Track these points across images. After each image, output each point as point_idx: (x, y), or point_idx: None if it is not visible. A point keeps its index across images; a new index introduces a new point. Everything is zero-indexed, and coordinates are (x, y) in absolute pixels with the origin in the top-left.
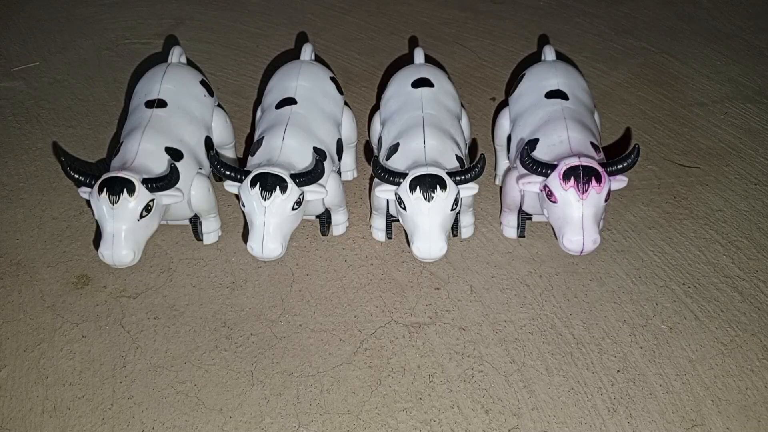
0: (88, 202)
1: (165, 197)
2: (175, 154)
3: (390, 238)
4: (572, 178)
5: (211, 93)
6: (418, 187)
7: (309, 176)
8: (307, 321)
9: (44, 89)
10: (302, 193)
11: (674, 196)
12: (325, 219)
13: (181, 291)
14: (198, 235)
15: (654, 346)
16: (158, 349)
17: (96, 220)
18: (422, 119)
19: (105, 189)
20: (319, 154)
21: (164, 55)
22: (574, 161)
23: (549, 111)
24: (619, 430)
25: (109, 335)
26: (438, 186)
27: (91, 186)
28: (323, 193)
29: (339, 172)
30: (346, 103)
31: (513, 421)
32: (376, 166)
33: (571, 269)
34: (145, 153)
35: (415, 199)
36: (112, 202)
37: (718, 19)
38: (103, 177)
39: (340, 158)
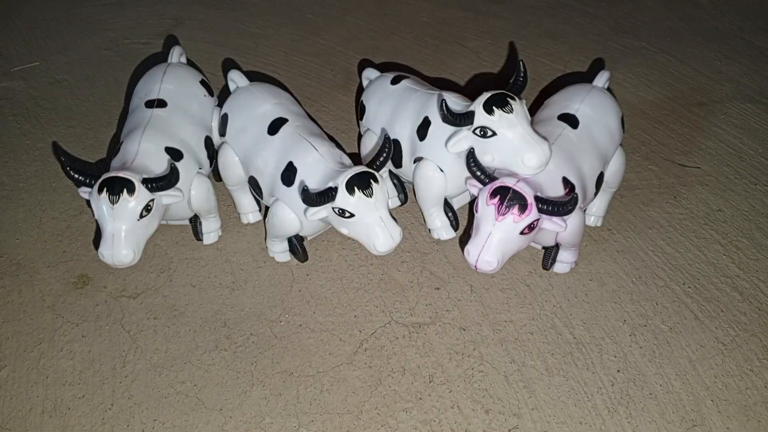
0: (88, 202)
1: (165, 197)
2: (175, 154)
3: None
4: (498, 197)
5: (210, 93)
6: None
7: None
8: (307, 321)
9: (44, 89)
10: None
11: (674, 196)
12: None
13: (181, 291)
14: (198, 235)
15: (654, 346)
16: (158, 349)
17: (96, 220)
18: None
19: (105, 189)
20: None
21: (164, 55)
22: (509, 182)
23: (551, 131)
24: (619, 430)
25: (109, 335)
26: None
27: (91, 186)
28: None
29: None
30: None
31: (513, 421)
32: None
33: (571, 269)
34: (145, 153)
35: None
36: (112, 202)
37: (718, 19)
38: (103, 177)
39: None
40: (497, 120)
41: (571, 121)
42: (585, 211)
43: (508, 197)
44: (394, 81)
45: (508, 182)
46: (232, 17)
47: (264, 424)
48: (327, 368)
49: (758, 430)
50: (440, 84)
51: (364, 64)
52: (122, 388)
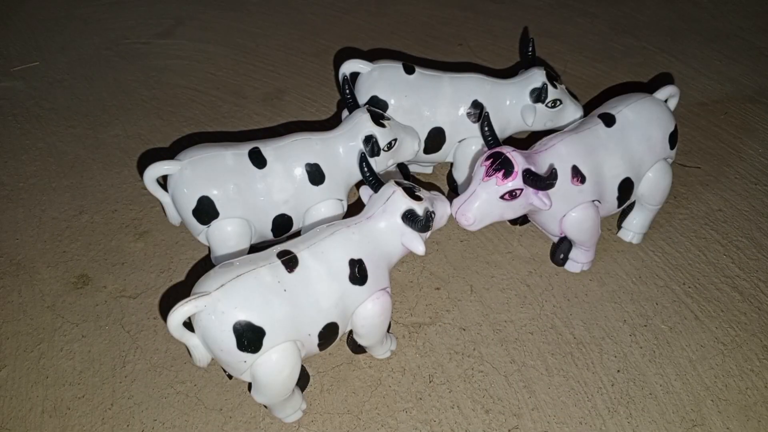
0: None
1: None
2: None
3: None
4: (490, 160)
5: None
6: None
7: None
8: None
9: (44, 89)
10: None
11: (674, 196)
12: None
13: (181, 291)
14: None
15: (654, 346)
16: (158, 349)
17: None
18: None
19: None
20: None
21: (162, 55)
22: (505, 149)
23: (584, 123)
24: (619, 430)
25: (109, 335)
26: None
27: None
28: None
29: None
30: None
31: (513, 421)
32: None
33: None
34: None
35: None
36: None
37: (718, 19)
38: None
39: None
40: (560, 92)
41: (607, 119)
42: (623, 224)
43: (497, 162)
44: (408, 70)
45: (504, 149)
46: (232, 17)
47: (264, 424)
48: (327, 368)
49: (758, 430)
50: None
51: (344, 53)
52: (122, 388)
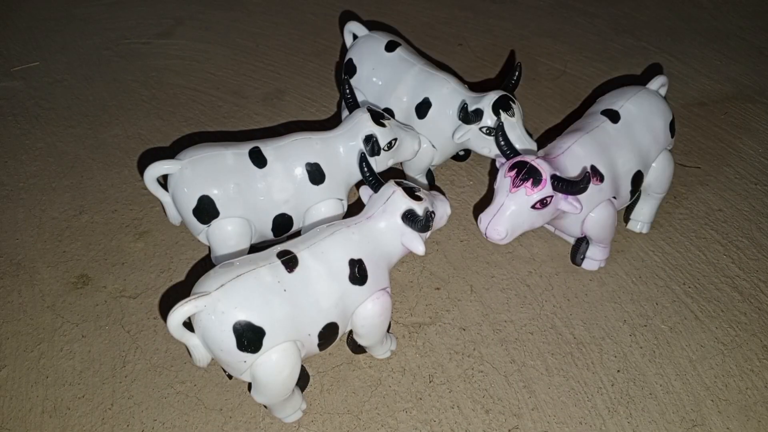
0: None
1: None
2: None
3: None
4: (515, 170)
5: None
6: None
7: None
8: None
9: (44, 89)
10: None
11: (674, 196)
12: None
13: (181, 291)
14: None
15: (654, 346)
16: (158, 349)
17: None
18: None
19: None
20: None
21: (162, 55)
22: (528, 158)
23: (590, 122)
24: (619, 430)
25: (109, 335)
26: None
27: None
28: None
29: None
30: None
31: (513, 421)
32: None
33: (571, 269)
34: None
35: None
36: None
37: (718, 19)
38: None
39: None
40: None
41: (612, 116)
42: (631, 216)
43: (524, 171)
44: (389, 47)
45: (527, 158)
46: (232, 17)
47: (264, 424)
48: (327, 368)
49: (758, 430)
50: None
51: (346, 16)
52: (122, 388)
